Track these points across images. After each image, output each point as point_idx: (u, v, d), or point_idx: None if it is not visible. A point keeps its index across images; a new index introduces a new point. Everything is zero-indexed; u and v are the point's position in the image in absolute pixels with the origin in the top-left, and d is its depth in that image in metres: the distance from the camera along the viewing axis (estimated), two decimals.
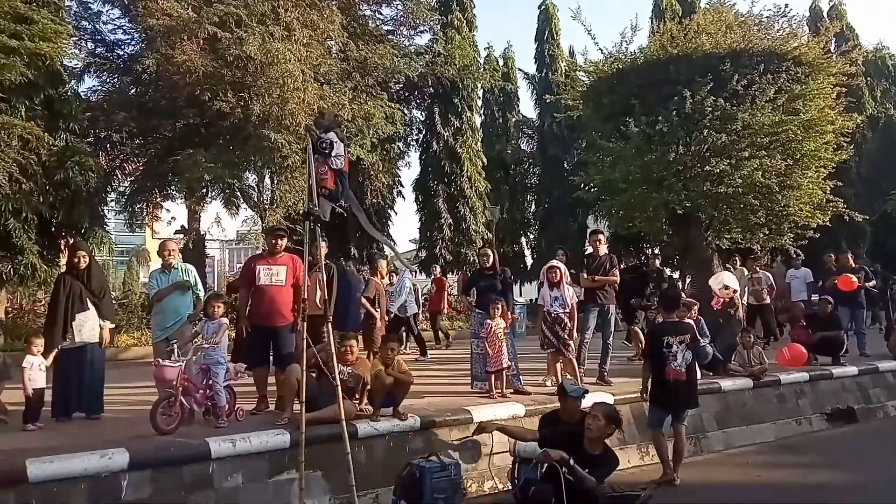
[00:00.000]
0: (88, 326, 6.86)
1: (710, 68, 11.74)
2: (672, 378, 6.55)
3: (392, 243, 6.82)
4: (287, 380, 6.49)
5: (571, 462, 4.80)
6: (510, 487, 6.13)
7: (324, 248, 8.07)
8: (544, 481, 5.14)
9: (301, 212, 6.30)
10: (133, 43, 16.68)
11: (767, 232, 13.46)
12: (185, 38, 13.37)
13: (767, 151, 12.14)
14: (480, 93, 24.95)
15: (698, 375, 7.05)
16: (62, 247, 13.39)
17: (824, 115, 12.68)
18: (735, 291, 10.38)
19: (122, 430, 6.05)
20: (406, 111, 20.05)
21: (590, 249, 9.54)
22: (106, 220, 14.70)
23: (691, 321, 9.52)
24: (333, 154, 5.71)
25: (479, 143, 22.47)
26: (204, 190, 15.63)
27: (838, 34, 23.22)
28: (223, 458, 5.53)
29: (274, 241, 7.20)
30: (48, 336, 6.72)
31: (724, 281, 10.32)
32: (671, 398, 6.65)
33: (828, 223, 13.23)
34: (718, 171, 11.60)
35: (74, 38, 13.70)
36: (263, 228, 15.00)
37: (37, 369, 6.37)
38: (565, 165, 24.84)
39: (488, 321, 8.01)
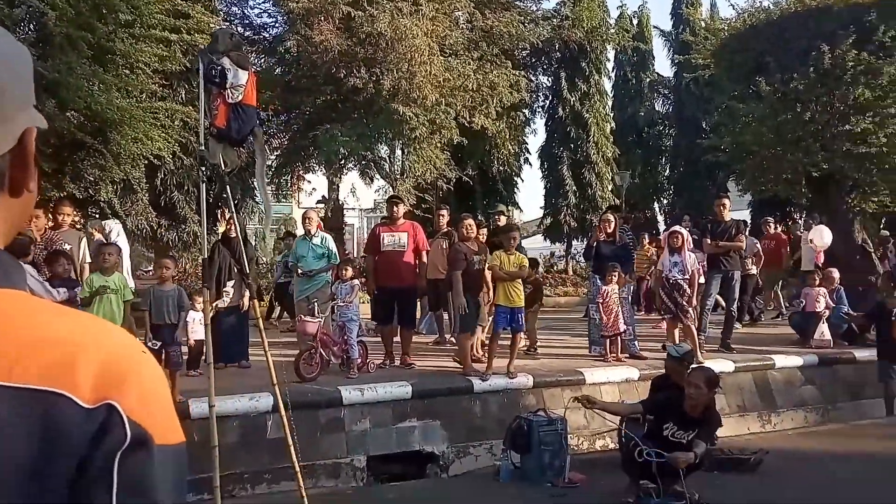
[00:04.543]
0: (234, 293, 7.75)
1: (854, 20, 10.93)
2: None
3: (270, 204, 6.63)
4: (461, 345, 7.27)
5: (695, 457, 4.88)
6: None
7: (445, 215, 8.57)
8: (648, 438, 5.33)
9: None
10: (277, 25, 17.86)
11: None
12: (322, 18, 14.20)
13: None
14: (612, 54, 24.28)
15: None
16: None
17: None
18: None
19: (266, 377, 6.83)
20: (532, 77, 20.00)
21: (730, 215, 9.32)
22: (255, 192, 16.01)
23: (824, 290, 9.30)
24: (228, 85, 4.58)
25: (607, 108, 21.94)
26: (341, 162, 16.62)
27: None
28: (353, 405, 6.20)
29: (392, 208, 7.77)
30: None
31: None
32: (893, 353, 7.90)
33: None
34: (860, 129, 10.85)
35: (226, 24, 14.89)
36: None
37: (198, 323, 7.24)
38: (704, 126, 23.70)
39: (604, 287, 8.17)
